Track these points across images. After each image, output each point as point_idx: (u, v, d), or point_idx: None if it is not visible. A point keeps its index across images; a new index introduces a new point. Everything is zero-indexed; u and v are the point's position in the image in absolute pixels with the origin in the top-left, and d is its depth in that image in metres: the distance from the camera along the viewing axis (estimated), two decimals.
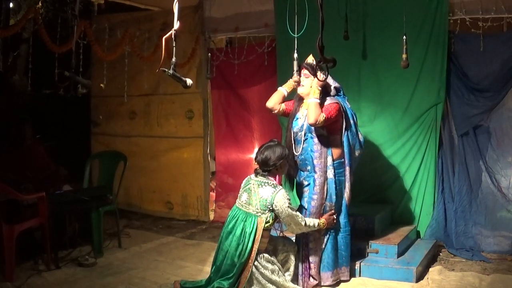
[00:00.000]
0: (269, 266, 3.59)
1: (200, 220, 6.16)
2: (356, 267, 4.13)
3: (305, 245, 3.88)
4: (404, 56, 4.16)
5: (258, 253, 3.54)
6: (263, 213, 3.55)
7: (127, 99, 6.35)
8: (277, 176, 3.76)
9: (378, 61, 5.01)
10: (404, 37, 4.15)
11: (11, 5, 6.06)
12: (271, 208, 3.55)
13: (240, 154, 6.16)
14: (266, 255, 3.61)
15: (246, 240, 3.51)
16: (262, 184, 3.60)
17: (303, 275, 3.87)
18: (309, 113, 3.75)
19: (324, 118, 3.72)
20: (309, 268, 3.87)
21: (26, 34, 6.11)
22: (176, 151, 6.35)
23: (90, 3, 6.28)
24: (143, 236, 5.51)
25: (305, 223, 3.65)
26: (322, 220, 3.79)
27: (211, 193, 6.35)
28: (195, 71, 6.06)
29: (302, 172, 3.96)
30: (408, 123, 4.96)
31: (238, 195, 3.74)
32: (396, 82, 4.95)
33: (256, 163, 3.72)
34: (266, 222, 3.54)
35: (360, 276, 4.13)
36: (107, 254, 4.73)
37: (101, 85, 6.17)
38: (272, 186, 3.58)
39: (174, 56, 2.67)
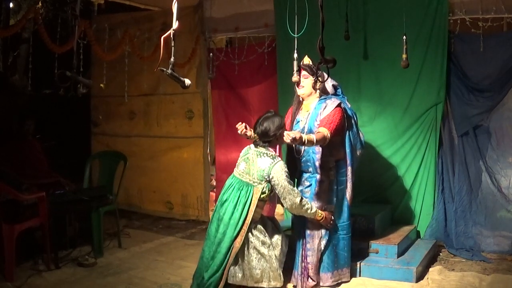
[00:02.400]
0: (261, 237, 3.58)
1: (200, 220, 6.16)
2: (356, 267, 4.13)
3: (303, 245, 3.87)
4: (404, 56, 4.15)
5: (251, 223, 3.54)
6: (259, 183, 3.55)
7: (127, 99, 6.35)
8: (277, 147, 3.74)
9: (378, 61, 5.01)
10: (404, 37, 4.15)
11: (11, 5, 6.06)
12: (268, 179, 3.54)
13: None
14: (259, 225, 3.60)
15: (241, 208, 3.52)
16: (261, 154, 3.61)
17: (302, 275, 3.86)
18: (318, 144, 3.69)
19: (330, 134, 3.65)
20: (307, 268, 3.86)
21: (26, 34, 6.11)
22: (176, 151, 6.35)
23: (90, 3, 6.28)
24: (143, 236, 5.51)
25: (301, 201, 3.58)
26: (321, 212, 3.73)
27: (211, 193, 6.35)
28: (195, 71, 6.06)
29: (304, 173, 3.95)
30: (408, 123, 4.96)
31: (236, 164, 3.74)
32: (396, 82, 4.95)
33: (255, 135, 3.72)
34: (262, 193, 3.55)
35: (360, 276, 4.13)
36: (107, 254, 4.73)
37: (101, 85, 6.17)
38: (271, 157, 3.58)
39: (173, 55, 2.67)
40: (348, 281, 4.01)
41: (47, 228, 4.28)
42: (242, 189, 3.59)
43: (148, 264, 4.51)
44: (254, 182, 3.58)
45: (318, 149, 3.82)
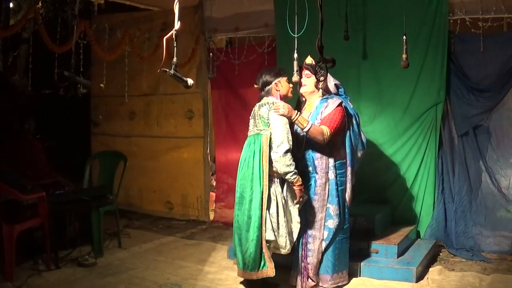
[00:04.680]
0: (276, 194, 3.64)
1: (200, 220, 6.16)
2: (356, 267, 4.12)
3: (304, 245, 3.86)
4: (404, 56, 4.14)
5: (271, 178, 3.61)
6: (265, 130, 3.64)
7: (127, 99, 6.35)
8: (278, 96, 3.77)
9: (378, 61, 5.01)
10: (404, 37, 4.14)
11: (11, 5, 6.06)
12: (269, 122, 3.63)
13: (240, 154, 6.15)
14: (277, 182, 3.65)
15: (258, 159, 3.61)
16: (263, 104, 3.73)
17: (302, 275, 3.85)
18: (314, 138, 3.72)
19: (330, 132, 3.69)
20: (307, 269, 3.84)
21: (26, 34, 6.11)
22: (176, 151, 6.35)
23: (90, 3, 6.29)
24: (143, 236, 5.51)
25: (284, 154, 3.52)
26: (300, 180, 3.60)
27: (211, 193, 6.35)
28: (195, 71, 6.06)
29: (304, 173, 3.94)
30: (408, 123, 4.96)
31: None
32: (396, 82, 4.95)
33: (259, 88, 3.84)
34: (271, 140, 3.62)
35: (360, 276, 4.12)
36: (107, 254, 4.73)
37: (101, 85, 6.17)
38: (271, 103, 3.68)
39: (175, 56, 2.67)
40: (347, 283, 3.97)
41: (47, 228, 4.28)
42: (254, 142, 3.69)
43: (148, 264, 4.51)
44: (261, 131, 3.67)
45: (317, 148, 3.81)
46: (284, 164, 3.55)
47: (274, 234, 3.61)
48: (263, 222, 3.57)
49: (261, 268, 3.63)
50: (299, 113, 3.69)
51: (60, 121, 6.89)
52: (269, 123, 3.63)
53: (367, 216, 4.49)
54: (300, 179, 3.62)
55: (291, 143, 3.59)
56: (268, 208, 3.61)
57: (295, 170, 3.58)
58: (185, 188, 6.29)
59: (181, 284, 4.03)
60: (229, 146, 6.20)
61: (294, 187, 3.62)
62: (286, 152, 3.55)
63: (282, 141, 3.55)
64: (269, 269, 3.62)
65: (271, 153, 3.61)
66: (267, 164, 3.59)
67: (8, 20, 5.98)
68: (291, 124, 3.74)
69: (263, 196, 3.58)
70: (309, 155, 3.86)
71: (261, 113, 3.69)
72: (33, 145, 5.28)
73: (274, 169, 3.62)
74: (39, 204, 4.29)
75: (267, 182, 3.59)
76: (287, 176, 3.58)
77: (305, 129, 3.66)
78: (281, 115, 3.60)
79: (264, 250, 3.61)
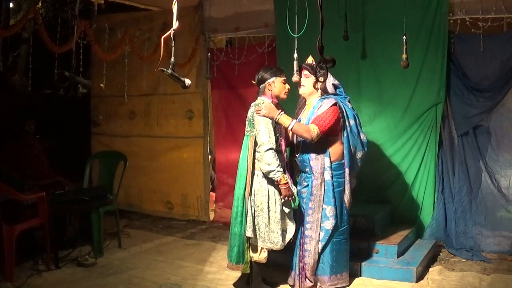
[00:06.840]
0: (264, 190, 3.67)
1: (200, 220, 6.16)
2: (356, 267, 4.12)
3: (301, 245, 3.85)
4: (404, 56, 4.15)
5: (255, 173, 3.68)
6: (251, 131, 3.72)
7: (127, 99, 6.36)
8: (270, 94, 3.77)
9: (378, 61, 5.01)
10: (404, 37, 4.15)
11: (11, 5, 6.07)
12: (253, 123, 3.69)
13: (239, 154, 6.16)
14: (265, 179, 3.67)
15: (244, 159, 3.73)
16: (252, 105, 3.77)
17: (300, 276, 3.84)
18: (301, 136, 3.75)
19: (318, 131, 3.66)
20: (304, 269, 3.83)
21: (26, 34, 6.12)
22: (176, 151, 6.36)
23: (90, 3, 6.29)
24: (143, 236, 5.51)
25: (264, 151, 3.56)
26: (286, 178, 3.61)
27: (211, 193, 6.35)
28: (195, 71, 6.06)
29: (302, 173, 3.94)
30: (408, 123, 4.96)
31: None
32: (396, 82, 4.95)
33: (256, 84, 3.87)
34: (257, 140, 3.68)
35: (360, 276, 4.12)
36: (107, 254, 4.73)
37: (101, 85, 6.18)
38: (258, 103, 3.71)
39: (173, 56, 2.67)
40: (348, 285, 3.94)
41: (47, 228, 4.28)
42: (244, 143, 3.78)
43: (148, 264, 4.52)
44: (248, 132, 3.76)
45: (313, 149, 3.80)
46: (265, 163, 3.59)
47: (255, 232, 3.65)
48: (244, 219, 3.66)
49: (242, 262, 3.71)
50: (282, 112, 3.69)
51: (60, 121, 6.90)
52: (254, 124, 3.69)
53: (367, 216, 4.49)
54: (285, 177, 3.61)
55: (273, 143, 3.62)
56: (258, 204, 3.66)
57: (278, 169, 3.57)
58: (185, 188, 6.29)
59: (181, 284, 4.03)
60: (229, 146, 6.20)
61: (279, 186, 3.64)
62: (267, 151, 3.58)
63: (264, 141, 3.61)
64: (244, 265, 3.71)
65: (255, 152, 3.68)
66: (251, 163, 3.67)
67: (8, 20, 5.99)
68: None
69: (245, 195, 3.66)
70: (306, 156, 3.84)
71: (248, 114, 3.75)
72: (33, 146, 5.29)
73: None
74: (39, 204, 4.29)
75: (250, 181, 3.67)
76: (270, 175, 3.61)
77: (289, 128, 3.69)
78: (263, 116, 3.64)
79: (246, 246, 3.69)
